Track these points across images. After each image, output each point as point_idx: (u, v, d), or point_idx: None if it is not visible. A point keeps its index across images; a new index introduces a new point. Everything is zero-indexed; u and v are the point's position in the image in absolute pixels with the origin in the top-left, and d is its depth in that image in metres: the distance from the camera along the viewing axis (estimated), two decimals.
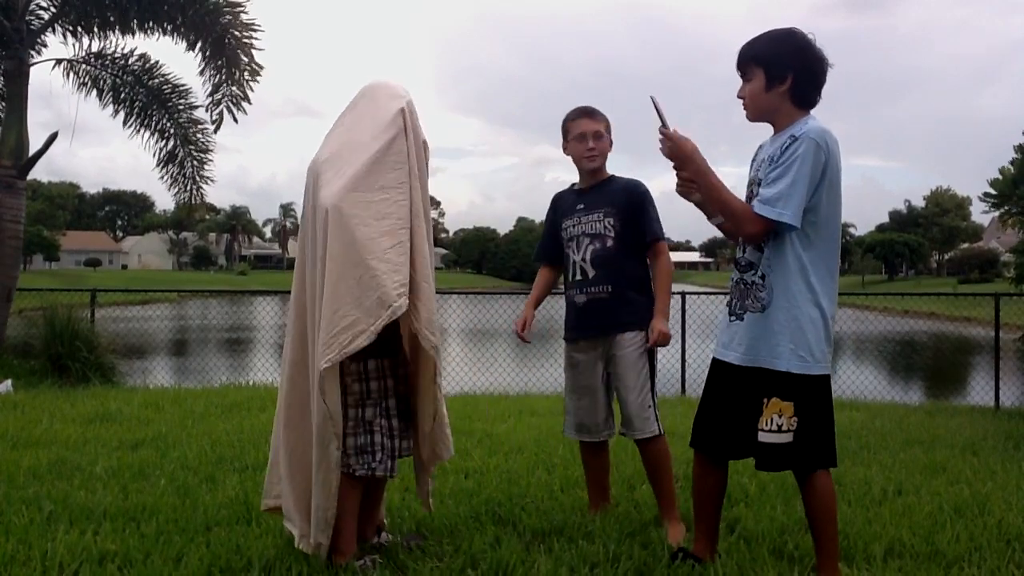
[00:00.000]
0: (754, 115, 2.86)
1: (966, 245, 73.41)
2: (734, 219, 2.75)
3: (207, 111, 10.71)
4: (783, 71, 2.75)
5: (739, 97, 2.87)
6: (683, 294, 9.36)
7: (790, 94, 2.76)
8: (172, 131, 11.00)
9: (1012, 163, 8.59)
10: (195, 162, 11.20)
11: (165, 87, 10.86)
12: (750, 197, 2.83)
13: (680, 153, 2.75)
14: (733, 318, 2.87)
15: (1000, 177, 9.19)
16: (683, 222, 77.18)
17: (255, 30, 10.39)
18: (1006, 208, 8.76)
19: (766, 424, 2.72)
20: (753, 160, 2.93)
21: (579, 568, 2.92)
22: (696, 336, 9.33)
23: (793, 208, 2.65)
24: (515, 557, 2.98)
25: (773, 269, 2.74)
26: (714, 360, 2.93)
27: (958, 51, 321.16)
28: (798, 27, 2.83)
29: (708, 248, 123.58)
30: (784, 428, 2.70)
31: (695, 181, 2.77)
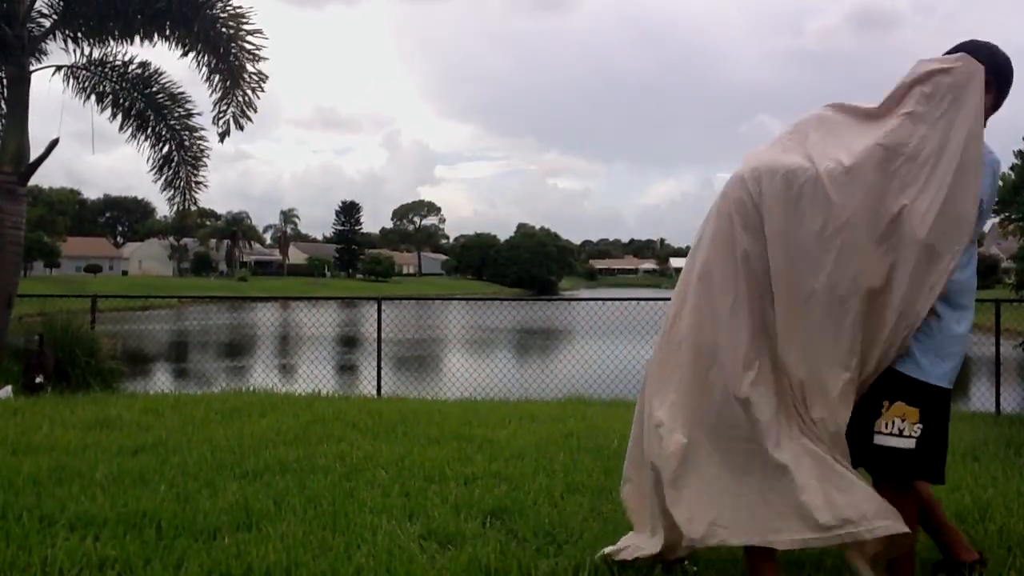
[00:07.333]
0: None
1: None
2: None
3: (214, 123, 10.73)
4: (1004, 87, 2.79)
5: None
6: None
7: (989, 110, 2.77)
8: (167, 137, 11.04)
9: (1012, 169, 8.53)
10: (190, 168, 11.23)
11: (159, 95, 10.88)
12: None
13: None
14: None
15: (1000, 183, 9.13)
16: (682, 227, 77.12)
17: (257, 34, 10.41)
18: (1006, 215, 8.70)
19: (885, 427, 2.65)
20: None
21: (581, 573, 2.92)
22: None
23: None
24: (516, 562, 2.98)
25: None
26: None
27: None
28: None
29: None
30: (907, 433, 2.63)
31: None
